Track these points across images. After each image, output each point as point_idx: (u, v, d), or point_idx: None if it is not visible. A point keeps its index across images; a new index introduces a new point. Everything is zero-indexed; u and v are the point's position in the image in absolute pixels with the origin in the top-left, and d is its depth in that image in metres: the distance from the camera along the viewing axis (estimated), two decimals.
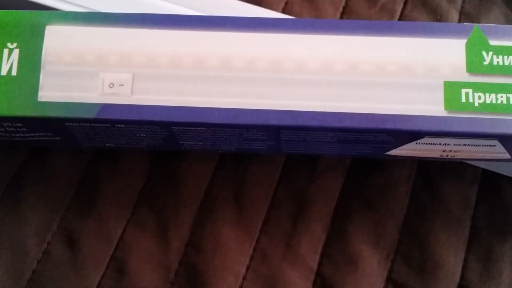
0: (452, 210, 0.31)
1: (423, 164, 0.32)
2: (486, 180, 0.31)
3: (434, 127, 0.25)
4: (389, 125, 0.25)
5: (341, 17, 0.36)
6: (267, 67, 0.26)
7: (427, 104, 0.25)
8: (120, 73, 0.26)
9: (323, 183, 0.31)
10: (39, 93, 0.26)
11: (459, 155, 0.28)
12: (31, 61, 0.26)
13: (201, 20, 0.27)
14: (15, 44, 0.27)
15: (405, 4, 0.36)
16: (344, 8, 0.37)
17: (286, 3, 0.37)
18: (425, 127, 0.25)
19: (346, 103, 0.25)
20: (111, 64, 0.26)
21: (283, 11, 0.36)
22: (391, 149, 0.28)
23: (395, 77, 0.25)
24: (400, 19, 0.36)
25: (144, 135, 0.28)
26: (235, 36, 0.27)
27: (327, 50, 0.26)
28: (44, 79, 0.26)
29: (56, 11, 0.27)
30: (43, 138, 0.29)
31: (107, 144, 0.30)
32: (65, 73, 0.26)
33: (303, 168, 0.32)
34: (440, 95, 0.25)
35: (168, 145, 0.29)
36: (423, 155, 0.28)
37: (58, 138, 0.29)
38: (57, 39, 0.27)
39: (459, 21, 0.36)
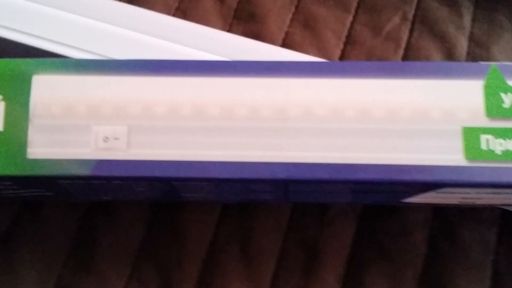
0: (472, 255, 0.29)
1: (439, 207, 0.30)
2: (506, 221, 0.30)
3: (455, 178, 0.23)
4: (406, 177, 0.23)
5: (344, 48, 0.35)
6: (272, 115, 0.24)
7: (446, 153, 0.23)
8: (114, 125, 0.25)
9: (335, 230, 0.30)
10: (28, 150, 0.24)
11: (479, 202, 0.26)
12: (19, 115, 0.25)
13: (199, 65, 0.25)
14: (1, 97, 0.25)
15: (411, 31, 0.35)
16: (347, 37, 0.35)
17: (286, 34, 0.35)
18: (445, 178, 0.23)
19: (358, 153, 0.24)
20: (104, 115, 0.25)
21: (284, 42, 0.35)
22: (406, 198, 0.26)
23: (409, 123, 0.24)
24: (406, 47, 0.34)
25: (142, 189, 0.26)
26: (237, 82, 0.25)
27: (336, 95, 0.24)
28: (32, 134, 0.24)
29: (42, 59, 0.26)
30: (35, 193, 0.27)
31: (103, 197, 0.28)
32: (55, 127, 0.25)
33: (312, 214, 0.30)
34: (458, 143, 0.23)
35: (168, 197, 0.28)
36: (441, 202, 0.27)
37: (51, 193, 0.27)
38: (45, 90, 0.25)
39: (469, 48, 0.34)
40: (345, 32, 0.35)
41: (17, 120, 0.25)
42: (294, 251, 0.29)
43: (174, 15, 0.35)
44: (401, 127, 0.24)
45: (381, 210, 0.30)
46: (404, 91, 0.24)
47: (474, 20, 0.35)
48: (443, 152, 0.23)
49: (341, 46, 0.35)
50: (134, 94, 0.25)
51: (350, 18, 0.35)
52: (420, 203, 0.27)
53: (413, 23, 0.35)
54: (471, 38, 0.35)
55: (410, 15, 0.35)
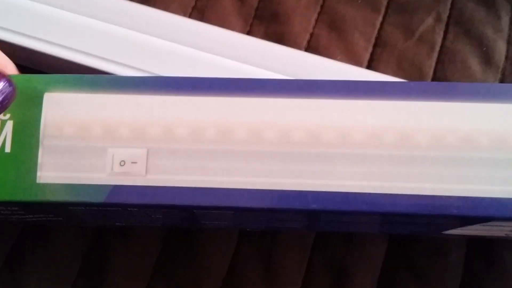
0: (511, 277, 0.27)
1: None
2: None
3: (507, 213, 0.21)
4: (452, 210, 0.21)
5: (373, 50, 0.32)
6: (304, 139, 0.22)
7: (497, 184, 0.21)
8: (132, 148, 0.23)
9: (364, 250, 0.28)
10: (38, 173, 0.22)
11: None
12: (28, 135, 0.23)
13: (225, 83, 0.23)
14: (8, 115, 0.23)
15: (445, 33, 0.32)
16: (376, 39, 0.33)
17: (311, 35, 0.33)
18: (497, 212, 0.21)
19: (399, 183, 0.22)
20: (121, 137, 0.23)
21: (308, 44, 0.32)
22: (447, 230, 0.24)
23: (455, 150, 0.22)
24: (441, 51, 0.32)
25: (160, 216, 0.24)
26: (266, 102, 0.23)
27: (374, 118, 0.22)
28: (43, 157, 0.23)
29: (55, 75, 0.24)
30: (43, 218, 0.25)
31: (116, 223, 0.26)
32: (68, 149, 0.23)
33: (339, 232, 0.28)
34: (511, 172, 0.21)
35: (187, 224, 0.26)
36: (485, 234, 0.25)
37: (60, 219, 0.25)
38: (57, 109, 0.23)
39: (507, 52, 0.32)
40: (375, 34, 0.33)
41: (26, 141, 0.23)
42: (320, 274, 0.28)
43: (191, 14, 0.33)
44: (446, 154, 0.22)
45: None
46: (449, 115, 0.22)
47: None
48: (494, 183, 0.21)
49: (370, 48, 0.32)
50: (154, 114, 0.23)
51: (380, 18, 0.33)
52: (461, 235, 0.25)
53: (447, 25, 0.32)
54: (510, 42, 0.32)
55: (445, 16, 0.33)
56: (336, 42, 0.32)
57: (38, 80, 0.23)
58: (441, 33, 0.32)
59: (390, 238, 0.28)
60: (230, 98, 0.23)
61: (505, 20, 0.32)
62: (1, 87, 0.22)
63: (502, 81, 0.31)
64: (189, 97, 0.23)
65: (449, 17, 0.33)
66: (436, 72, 0.31)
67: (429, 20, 0.32)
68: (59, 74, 0.24)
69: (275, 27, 0.33)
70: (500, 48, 0.32)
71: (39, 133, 0.23)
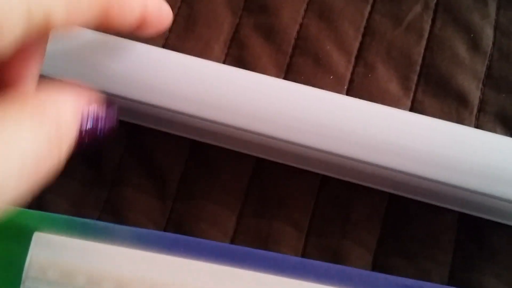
0: (500, 258, 0.28)
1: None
2: None
3: None
4: None
5: (362, 39, 0.32)
6: None
7: None
8: None
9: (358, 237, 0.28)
10: None
11: None
12: (11, 272, 0.22)
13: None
14: None
15: (433, 21, 0.33)
16: (365, 28, 0.33)
17: (301, 25, 0.33)
18: None
19: None
20: None
21: (298, 34, 0.33)
22: None
23: None
24: (429, 38, 0.32)
25: None
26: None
27: None
28: None
29: (48, 214, 0.23)
30: None
31: None
32: None
33: (334, 221, 0.29)
34: None
35: None
36: None
37: None
38: (44, 250, 0.22)
39: (494, 38, 0.32)
40: (364, 23, 0.33)
41: (8, 279, 0.22)
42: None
43: (180, 7, 0.33)
44: None
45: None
46: None
47: (499, 8, 0.33)
48: None
49: (359, 38, 0.33)
50: (141, 271, 0.22)
51: (368, 7, 0.33)
52: None
53: (435, 12, 0.33)
54: (497, 28, 0.32)
55: (432, 4, 0.33)
56: (326, 32, 0.33)
57: (30, 216, 0.23)
58: (429, 21, 0.33)
59: (383, 221, 0.29)
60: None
61: (492, 7, 0.33)
62: (110, 113, 0.20)
63: (490, 67, 0.32)
64: (188, 260, 0.23)
65: (436, 4, 0.33)
66: (425, 59, 0.32)
67: (417, 8, 0.33)
68: (53, 214, 0.23)
69: (264, 19, 0.33)
70: (488, 34, 0.32)
71: (22, 272, 0.22)
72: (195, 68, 0.27)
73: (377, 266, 0.28)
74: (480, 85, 0.31)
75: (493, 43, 0.32)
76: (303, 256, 0.28)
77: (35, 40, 0.19)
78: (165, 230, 0.28)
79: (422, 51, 0.32)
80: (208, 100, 0.26)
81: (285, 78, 0.31)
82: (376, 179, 0.28)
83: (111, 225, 0.24)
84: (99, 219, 0.27)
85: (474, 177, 0.25)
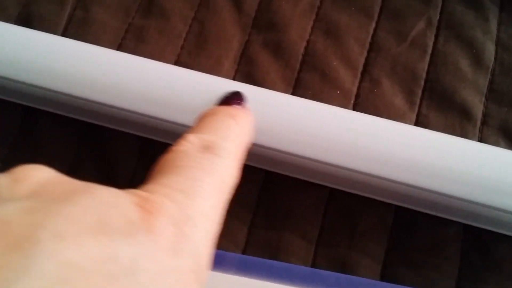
0: (505, 268, 0.29)
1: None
2: None
3: None
4: None
5: (368, 55, 0.33)
6: None
7: None
8: None
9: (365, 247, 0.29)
10: None
11: None
12: None
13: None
14: None
15: (436, 37, 0.34)
16: (370, 44, 0.34)
17: (308, 42, 0.34)
18: None
19: None
20: None
21: (305, 51, 0.34)
22: None
23: None
24: (432, 54, 0.33)
25: None
26: None
27: None
28: None
29: None
30: None
31: None
32: None
33: (343, 232, 0.29)
34: None
35: None
36: None
37: None
38: None
39: (496, 52, 0.33)
40: (369, 39, 0.34)
41: None
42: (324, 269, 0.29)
43: (191, 25, 0.34)
44: None
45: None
46: None
47: (500, 23, 0.34)
48: None
49: (365, 53, 0.34)
50: None
51: (373, 24, 0.34)
52: None
53: (438, 29, 0.34)
54: (498, 43, 0.33)
55: (435, 20, 0.34)
56: (332, 48, 0.34)
57: None
58: (432, 37, 0.34)
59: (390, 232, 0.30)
60: None
61: (493, 23, 0.34)
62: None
63: (492, 81, 0.33)
64: None
65: (439, 21, 0.34)
66: (429, 74, 0.33)
67: (421, 25, 0.34)
68: None
69: (272, 36, 0.34)
70: (489, 50, 0.33)
71: None
72: (205, 84, 0.28)
73: (385, 276, 0.29)
74: (483, 99, 0.32)
75: (495, 58, 0.33)
76: (312, 266, 0.29)
77: None
78: None
79: (426, 66, 0.33)
80: None
81: (293, 93, 0.32)
82: (382, 191, 0.29)
83: None
84: None
85: (478, 190, 0.26)
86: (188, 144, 0.20)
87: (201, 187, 0.18)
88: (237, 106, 0.25)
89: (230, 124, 0.22)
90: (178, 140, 0.21)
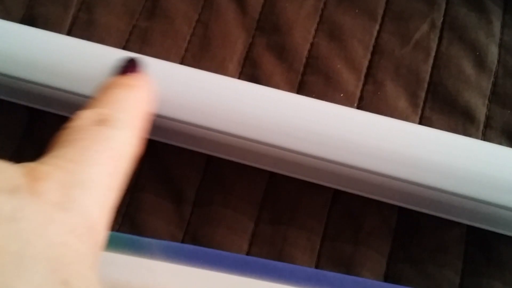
0: (508, 269, 0.29)
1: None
2: None
3: None
4: None
5: (371, 58, 0.34)
6: None
7: None
8: None
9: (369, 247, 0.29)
10: None
11: None
12: None
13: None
14: None
15: (440, 39, 0.34)
16: (374, 47, 0.34)
17: (311, 45, 0.34)
18: None
19: None
20: None
21: (309, 53, 0.34)
22: None
23: None
24: (436, 56, 0.33)
25: None
26: None
27: None
28: None
29: None
30: None
31: None
32: None
33: (347, 233, 0.30)
34: None
35: None
36: None
37: None
38: None
39: (499, 55, 0.33)
40: (372, 42, 0.34)
41: None
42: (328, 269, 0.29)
43: (195, 27, 0.34)
44: None
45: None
46: None
47: (503, 26, 0.34)
48: None
49: (368, 56, 0.34)
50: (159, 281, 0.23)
51: (377, 26, 0.34)
52: None
53: (441, 31, 0.34)
54: (502, 45, 0.34)
55: (439, 23, 0.34)
56: (336, 50, 0.34)
57: None
58: (436, 40, 0.34)
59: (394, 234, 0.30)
60: None
61: (496, 25, 0.34)
62: None
63: (495, 84, 0.33)
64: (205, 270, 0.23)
65: (443, 23, 0.34)
66: (432, 77, 0.33)
67: (424, 27, 0.34)
68: None
69: (276, 38, 0.34)
70: (493, 52, 0.33)
71: None
72: (211, 82, 0.28)
73: (389, 277, 0.29)
74: (486, 102, 0.32)
75: (498, 61, 0.33)
76: (317, 267, 0.29)
77: None
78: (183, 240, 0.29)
79: (430, 69, 0.33)
80: (223, 114, 0.27)
81: None
82: (386, 191, 0.29)
83: (129, 236, 0.24)
84: (118, 230, 0.29)
85: (482, 187, 0.26)
86: (83, 119, 0.21)
87: (91, 156, 0.19)
88: (133, 75, 0.24)
89: (126, 95, 0.22)
90: (73, 116, 0.21)
